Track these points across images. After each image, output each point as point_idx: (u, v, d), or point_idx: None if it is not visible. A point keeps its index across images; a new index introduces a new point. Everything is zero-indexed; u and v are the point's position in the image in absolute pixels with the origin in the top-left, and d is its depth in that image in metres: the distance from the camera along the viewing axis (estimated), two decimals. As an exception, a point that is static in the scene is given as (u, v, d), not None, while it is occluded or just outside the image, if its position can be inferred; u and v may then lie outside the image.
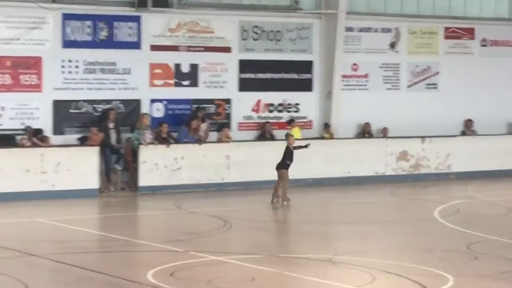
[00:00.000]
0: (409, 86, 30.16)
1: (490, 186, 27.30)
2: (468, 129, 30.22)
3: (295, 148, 24.03)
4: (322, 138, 28.38)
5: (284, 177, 23.77)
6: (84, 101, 25.88)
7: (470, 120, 30.23)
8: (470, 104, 30.32)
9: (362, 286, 14.68)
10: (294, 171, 26.63)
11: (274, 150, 26.84)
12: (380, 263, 16.25)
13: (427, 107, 29.83)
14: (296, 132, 27.81)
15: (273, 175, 26.35)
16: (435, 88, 30.47)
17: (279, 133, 27.90)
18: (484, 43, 31.19)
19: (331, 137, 28.34)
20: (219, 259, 16.70)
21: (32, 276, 15.36)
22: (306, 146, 24.30)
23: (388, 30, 29.82)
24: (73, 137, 25.56)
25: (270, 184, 25.81)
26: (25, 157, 24.10)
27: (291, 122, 28.27)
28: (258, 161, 26.56)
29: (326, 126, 28.53)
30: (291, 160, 23.90)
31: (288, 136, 24.38)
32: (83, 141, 25.38)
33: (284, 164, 23.93)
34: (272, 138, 27.80)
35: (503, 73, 31.14)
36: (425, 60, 30.40)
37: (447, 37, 30.71)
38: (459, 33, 30.88)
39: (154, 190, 24.80)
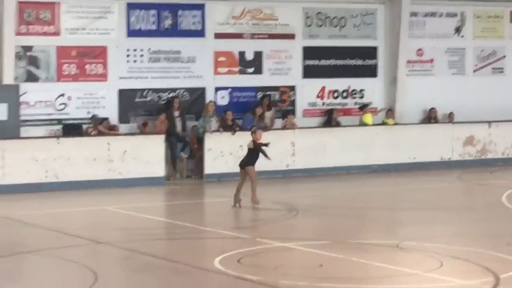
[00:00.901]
0: (475, 71, 29.97)
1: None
2: (536, 113, 29.98)
3: (261, 145, 21.51)
4: (385, 124, 28.23)
5: (252, 174, 21.42)
6: (149, 89, 25.99)
7: (540, 105, 29.98)
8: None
9: (430, 271, 14.60)
10: (359, 158, 26.63)
11: (340, 137, 26.99)
12: (447, 248, 16.17)
13: (493, 91, 29.60)
14: (368, 118, 27.80)
15: (338, 162, 26.38)
16: (501, 72, 30.25)
17: (344, 120, 27.85)
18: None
19: (395, 123, 28.16)
20: (286, 246, 16.71)
21: (100, 263, 15.50)
22: (266, 145, 21.66)
23: (453, 15, 29.63)
24: (138, 126, 25.67)
25: (335, 170, 25.83)
26: (92, 146, 24.32)
27: (363, 107, 28.18)
28: (323, 148, 26.59)
29: (389, 112, 28.37)
30: (257, 157, 21.64)
31: (255, 131, 21.83)
32: (145, 125, 25.44)
33: (250, 160, 21.61)
34: (337, 124, 27.68)
35: None
36: (491, 44, 30.18)
37: (512, 21, 30.47)
38: (525, 12, 30.63)
39: (220, 178, 24.88)
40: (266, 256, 15.91)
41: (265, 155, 21.43)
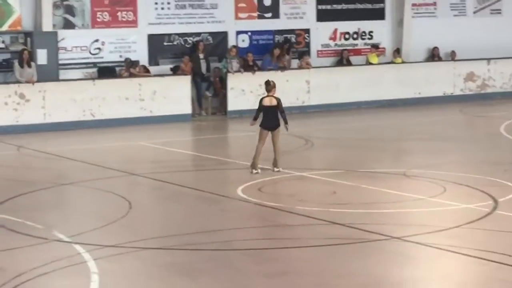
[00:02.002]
0: (474, 12, 29.78)
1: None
2: (531, 51, 29.82)
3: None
4: (392, 62, 28.18)
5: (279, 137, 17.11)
6: (176, 34, 25.98)
7: (533, 42, 29.81)
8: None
9: (434, 196, 14.68)
10: (369, 94, 26.63)
11: (351, 75, 26.99)
12: (450, 175, 16.23)
13: (492, 31, 29.40)
14: (373, 57, 27.74)
15: (350, 98, 26.37)
16: (499, 13, 30.05)
17: (355, 59, 27.81)
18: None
19: (402, 62, 28.11)
20: (302, 175, 16.80)
21: (134, 193, 15.64)
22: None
23: (452, -39, 29.44)
24: (167, 68, 25.72)
25: (347, 106, 25.85)
26: (124, 86, 24.38)
27: (376, 46, 28.15)
28: (336, 85, 26.59)
29: (397, 51, 28.31)
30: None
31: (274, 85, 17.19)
32: (175, 71, 25.53)
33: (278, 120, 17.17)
34: (349, 63, 27.65)
35: None
36: (490, -12, 29.95)
37: (509, -34, 30.24)
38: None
39: (242, 114, 24.88)
40: (284, 184, 16.02)
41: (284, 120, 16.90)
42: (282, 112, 16.81)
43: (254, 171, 16.51)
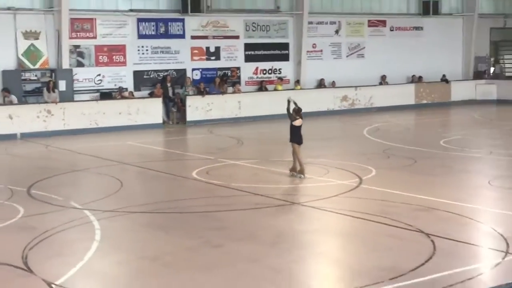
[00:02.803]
0: (347, 56, 29.99)
1: (398, 115, 27.24)
2: (383, 81, 30.08)
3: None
4: (294, 89, 28.22)
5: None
6: (152, 70, 25.77)
7: (384, 75, 30.04)
8: (384, 66, 30.11)
9: (321, 176, 14.78)
10: (278, 110, 26.66)
11: (267, 97, 26.92)
12: (332, 162, 16.35)
13: (358, 68, 29.71)
14: (279, 86, 27.84)
15: (267, 112, 26.29)
16: (363, 57, 30.31)
17: (270, 87, 27.89)
18: (392, 29, 30.92)
19: (300, 88, 28.21)
20: (235, 163, 16.79)
21: (124, 175, 15.47)
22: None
23: (333, 23, 29.55)
24: (146, 92, 25.50)
25: (266, 117, 25.78)
26: (118, 105, 24.13)
27: (281, 79, 28.22)
28: (258, 103, 26.56)
29: (297, 81, 28.41)
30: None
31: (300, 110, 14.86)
32: (151, 95, 25.33)
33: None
34: (266, 89, 27.66)
35: (403, 46, 30.90)
36: (357, 40, 30.17)
37: (369, 26, 30.44)
38: (377, 23, 30.60)
39: (196, 123, 24.80)
40: (224, 169, 15.98)
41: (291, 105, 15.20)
42: (294, 113, 14.81)
43: (303, 176, 14.30)
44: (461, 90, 31.53)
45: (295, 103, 14.90)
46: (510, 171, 15.28)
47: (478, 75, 32.83)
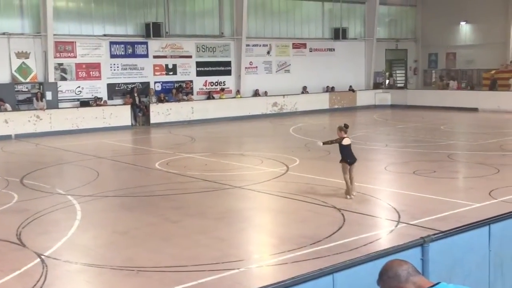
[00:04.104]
0: (276, 71, 30.12)
1: (314, 117, 27.53)
2: (304, 90, 30.33)
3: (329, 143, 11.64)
4: (235, 97, 28.21)
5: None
6: (122, 83, 25.37)
7: (305, 86, 30.31)
8: (305, 79, 30.37)
9: (256, 165, 14.82)
10: (224, 114, 26.64)
11: (214, 104, 26.82)
12: (264, 154, 16.40)
13: (285, 81, 29.91)
14: (222, 96, 27.73)
15: (215, 115, 26.25)
16: (289, 71, 30.51)
17: (216, 96, 27.74)
18: (311, 49, 31.18)
19: (240, 97, 28.21)
20: (189, 156, 16.69)
21: (100, 167, 15.22)
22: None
23: (265, 45, 29.65)
24: (118, 101, 25.07)
25: (213, 120, 25.67)
26: (94, 111, 23.67)
27: (223, 89, 28.14)
28: (206, 109, 26.46)
29: (238, 91, 28.39)
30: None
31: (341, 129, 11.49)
32: (122, 103, 24.92)
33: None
34: (213, 98, 27.55)
35: (319, 63, 31.20)
36: (283, 59, 30.33)
37: (294, 47, 30.62)
38: (299, 45, 30.80)
39: (158, 125, 24.54)
40: (180, 160, 15.88)
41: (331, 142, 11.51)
42: (334, 141, 11.35)
43: (348, 197, 10.77)
44: (364, 97, 32.09)
45: (329, 142, 11.55)
46: (401, 159, 15.64)
47: (377, 85, 33.53)
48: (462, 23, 33.84)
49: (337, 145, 11.39)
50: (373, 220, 9.65)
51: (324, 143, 11.57)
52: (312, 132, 22.28)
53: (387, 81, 34.76)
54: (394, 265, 3.00)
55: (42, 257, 7.85)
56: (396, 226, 9.04)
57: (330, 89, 31.36)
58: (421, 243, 4.25)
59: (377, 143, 18.64)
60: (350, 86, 31.91)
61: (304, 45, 31.00)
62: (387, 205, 10.44)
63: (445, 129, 21.96)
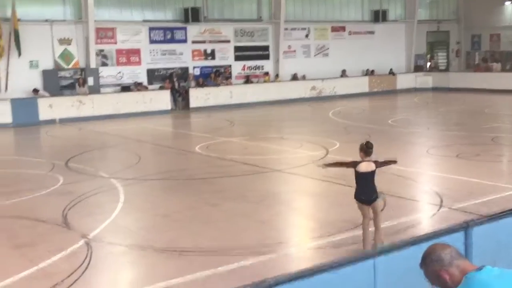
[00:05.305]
0: (315, 55, 29.87)
1: (353, 100, 27.26)
2: (343, 74, 30.02)
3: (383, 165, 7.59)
4: (275, 81, 28.12)
5: (379, 208, 7.43)
6: (161, 68, 25.59)
7: (344, 70, 29.98)
8: (344, 62, 30.00)
9: (296, 148, 14.80)
10: (263, 97, 26.62)
11: (252, 88, 26.83)
12: (304, 138, 16.37)
13: (324, 64, 29.61)
14: (266, 79, 27.57)
15: (253, 100, 26.24)
16: (327, 55, 30.20)
17: (254, 80, 27.74)
18: (350, 32, 30.78)
19: (279, 81, 28.12)
20: (229, 140, 16.77)
21: (141, 150, 15.44)
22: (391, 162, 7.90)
23: (304, 29, 29.40)
24: (157, 86, 25.31)
25: (252, 104, 25.68)
26: (135, 96, 23.98)
27: (266, 74, 27.97)
28: (245, 93, 26.48)
29: (277, 75, 28.30)
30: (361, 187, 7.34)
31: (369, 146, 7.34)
32: (161, 87, 25.18)
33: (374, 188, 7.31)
34: (251, 82, 27.55)
35: (358, 46, 30.76)
36: (322, 42, 30.04)
37: (332, 30, 30.29)
38: (338, 28, 30.46)
39: (197, 109, 24.72)
40: (220, 144, 15.99)
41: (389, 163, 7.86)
42: (383, 164, 7.54)
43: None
44: (404, 81, 31.55)
45: (335, 164, 8.34)
46: (443, 142, 15.38)
47: (418, 68, 32.93)
48: (507, 3, 32.83)
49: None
50: (414, 204, 9.55)
51: (326, 165, 8.00)
52: (352, 115, 22.10)
53: (428, 64, 34.10)
54: (437, 248, 2.97)
55: (87, 238, 8.05)
56: (438, 210, 8.91)
57: (369, 73, 30.95)
58: (465, 227, 4.19)
59: (418, 126, 18.37)
60: (391, 69, 31.43)
61: (343, 28, 30.62)
62: (429, 189, 10.30)
63: (489, 112, 21.45)
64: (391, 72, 31.38)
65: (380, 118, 20.62)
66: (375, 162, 7.30)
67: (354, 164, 7.31)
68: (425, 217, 8.79)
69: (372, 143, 7.39)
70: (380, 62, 31.22)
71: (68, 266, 7.02)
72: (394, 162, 7.85)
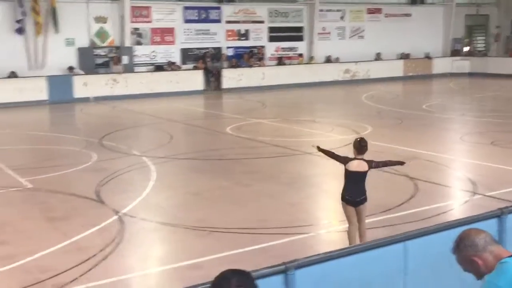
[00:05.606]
0: (350, 37, 29.52)
1: (387, 84, 26.93)
2: (378, 57, 29.62)
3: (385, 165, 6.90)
4: (309, 63, 27.92)
5: (364, 213, 6.70)
6: (195, 48, 25.65)
7: (379, 53, 29.57)
8: (379, 45, 29.58)
9: (327, 132, 14.73)
10: (298, 79, 26.46)
11: (285, 69, 26.69)
12: (335, 121, 16.28)
13: (358, 47, 29.23)
14: (301, 61, 27.39)
15: (286, 81, 26.11)
16: (362, 37, 29.82)
17: (287, 62, 27.58)
18: (386, 15, 30.32)
19: (314, 63, 27.89)
20: (260, 121, 16.78)
21: (173, 129, 15.59)
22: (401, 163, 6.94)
23: (339, 10, 29.06)
24: (191, 66, 25.39)
25: (285, 86, 25.53)
26: (168, 75, 24.14)
27: (300, 55, 27.77)
28: (278, 74, 26.37)
29: (311, 58, 28.07)
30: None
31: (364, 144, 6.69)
32: (194, 67, 25.24)
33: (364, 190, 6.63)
34: (284, 64, 27.40)
35: (394, 29, 30.22)
36: (358, 24, 29.67)
37: (368, 12, 29.85)
38: (374, 10, 30.01)
39: (230, 90, 24.75)
40: (251, 126, 16.01)
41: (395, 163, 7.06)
42: (382, 165, 6.74)
43: None
44: (440, 65, 30.98)
45: (327, 152, 7.17)
46: (478, 129, 15.12)
47: (455, 53, 32.26)
48: (550, -13, 31.87)
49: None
50: (447, 190, 9.44)
51: (320, 149, 7.22)
52: (385, 100, 21.85)
53: (466, 48, 33.38)
54: (471, 233, 2.94)
55: (120, 214, 8.19)
56: (472, 197, 8.80)
57: (405, 56, 30.48)
58: (499, 214, 4.14)
59: (452, 112, 18.08)
60: (427, 53, 30.89)
61: (379, 10, 30.15)
62: (462, 176, 10.17)
63: (527, 99, 20.98)
64: (427, 56, 30.84)
65: (414, 103, 20.34)
66: (370, 161, 6.55)
67: (345, 160, 6.68)
68: (457, 204, 8.69)
69: (366, 140, 6.71)
70: (415, 46, 30.69)
71: (100, 241, 7.17)
72: (401, 163, 6.87)
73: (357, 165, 6.54)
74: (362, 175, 6.51)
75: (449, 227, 3.85)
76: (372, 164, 6.54)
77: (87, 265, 6.43)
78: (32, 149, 13.43)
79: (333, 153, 7.01)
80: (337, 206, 8.92)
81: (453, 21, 31.91)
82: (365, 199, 6.59)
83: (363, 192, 6.55)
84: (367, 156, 6.72)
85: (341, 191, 6.68)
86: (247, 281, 2.28)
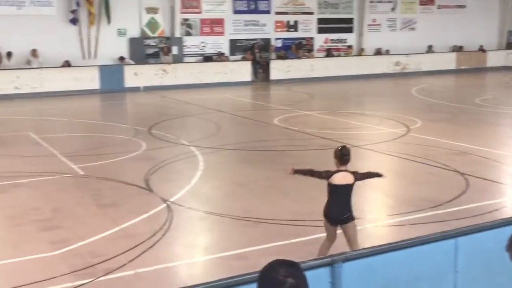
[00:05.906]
0: (401, 29, 28.96)
1: (438, 77, 26.34)
2: (429, 49, 28.99)
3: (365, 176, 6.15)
4: (359, 55, 27.56)
5: (355, 234, 5.93)
6: (243, 39, 25.67)
7: (431, 45, 28.93)
8: (431, 37, 28.93)
9: (375, 125, 14.55)
10: (346, 72, 26.16)
11: (334, 61, 26.45)
12: (384, 114, 16.06)
13: (409, 39, 28.66)
14: (349, 53, 27.05)
15: (333, 73, 25.87)
16: (414, 29, 29.22)
17: (336, 54, 27.31)
18: (438, 6, 29.61)
19: (364, 55, 27.52)
20: (307, 113, 16.69)
21: (221, 120, 15.67)
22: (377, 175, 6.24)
23: (390, 1, 28.52)
24: (239, 57, 25.37)
25: (334, 78, 25.32)
26: (217, 66, 24.23)
27: (349, 47, 27.56)
28: (326, 66, 26.13)
29: (361, 50, 27.72)
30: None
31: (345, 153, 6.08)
32: (243, 58, 25.26)
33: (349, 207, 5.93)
34: (332, 56, 27.14)
35: (447, 21, 29.51)
36: (409, 16, 29.08)
37: (420, 4, 29.22)
38: (426, 1, 29.32)
39: (278, 81, 24.70)
40: (298, 117, 15.95)
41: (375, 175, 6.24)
42: (365, 177, 6.13)
43: None
44: (495, 58, 30.07)
45: (306, 172, 6.33)
46: (534, 125, 14.64)
47: (510, 45, 31.26)
48: None
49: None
50: (500, 187, 9.18)
51: (296, 171, 6.30)
52: (437, 93, 21.40)
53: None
54: (526, 232, 2.86)
55: (168, 202, 8.32)
56: (525, 195, 8.54)
57: (457, 49, 29.73)
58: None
59: (507, 107, 17.54)
60: (481, 46, 30.03)
61: (432, 1, 29.47)
62: (515, 173, 9.87)
63: None
64: (481, 49, 29.99)
65: (466, 97, 19.85)
66: (355, 173, 5.93)
67: (327, 175, 5.97)
68: (510, 201, 8.44)
69: (348, 148, 6.08)
70: (469, 38, 29.89)
71: (149, 228, 7.31)
72: (379, 175, 6.20)
73: (341, 178, 5.91)
74: (348, 188, 5.88)
75: (503, 225, 3.75)
76: (357, 176, 5.94)
77: (136, 251, 6.57)
78: (83, 137, 13.77)
79: (312, 170, 6.18)
80: (385, 199, 8.82)
81: (510, 12, 30.91)
82: (350, 217, 5.86)
83: (348, 208, 5.87)
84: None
85: (323, 207, 6.02)
86: (296, 272, 2.27)
